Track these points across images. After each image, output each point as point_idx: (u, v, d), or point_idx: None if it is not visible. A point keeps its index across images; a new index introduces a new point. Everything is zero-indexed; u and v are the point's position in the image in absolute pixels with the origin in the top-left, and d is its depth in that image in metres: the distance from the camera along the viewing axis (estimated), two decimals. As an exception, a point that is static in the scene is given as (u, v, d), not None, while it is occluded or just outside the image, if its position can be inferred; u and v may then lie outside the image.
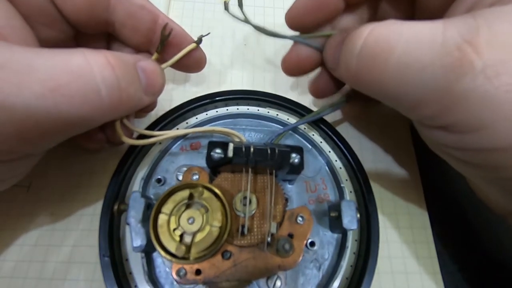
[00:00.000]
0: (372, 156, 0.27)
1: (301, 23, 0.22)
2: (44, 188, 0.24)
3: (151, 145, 0.24)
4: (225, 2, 0.22)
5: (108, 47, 0.24)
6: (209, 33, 0.23)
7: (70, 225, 0.23)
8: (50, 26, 0.19)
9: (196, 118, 0.26)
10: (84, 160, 0.25)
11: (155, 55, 0.22)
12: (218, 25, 0.32)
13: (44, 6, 0.19)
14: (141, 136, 0.22)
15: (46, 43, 0.19)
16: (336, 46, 0.19)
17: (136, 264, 0.21)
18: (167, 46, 0.22)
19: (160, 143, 0.24)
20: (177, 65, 0.24)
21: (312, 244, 0.22)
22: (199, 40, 0.23)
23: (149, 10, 0.21)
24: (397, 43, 0.15)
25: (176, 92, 0.28)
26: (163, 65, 0.22)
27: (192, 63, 0.24)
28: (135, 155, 0.23)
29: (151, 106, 0.23)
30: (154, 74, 0.20)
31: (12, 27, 0.17)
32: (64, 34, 0.20)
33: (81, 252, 0.22)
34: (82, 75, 0.15)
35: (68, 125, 0.15)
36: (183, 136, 0.25)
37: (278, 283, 0.21)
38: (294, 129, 0.26)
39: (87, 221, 0.23)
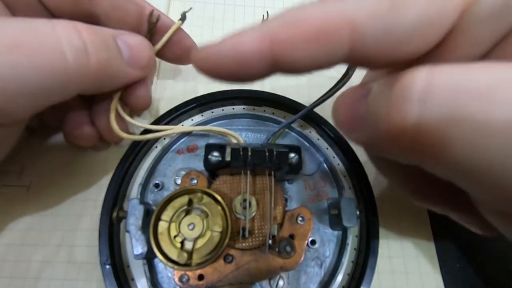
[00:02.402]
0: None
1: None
2: (44, 188, 0.24)
3: (148, 149, 0.24)
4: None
5: None
6: (191, 8, 0.23)
7: (70, 225, 0.23)
8: (32, 17, 0.19)
9: (192, 119, 0.25)
10: (84, 160, 0.25)
11: None
12: (218, 25, 0.32)
13: None
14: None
15: None
16: (357, 98, 0.15)
17: (138, 270, 0.21)
18: (155, 35, 0.22)
19: (156, 146, 0.24)
20: (168, 56, 0.24)
21: (313, 242, 0.22)
22: (183, 17, 0.23)
23: (135, 1, 0.21)
24: (504, 93, 0.10)
25: (174, 92, 0.28)
26: (154, 48, 0.22)
27: (183, 52, 0.24)
28: (132, 158, 0.23)
29: (146, 103, 0.22)
30: (138, 46, 0.20)
31: None
32: None
33: (81, 252, 0.22)
34: (44, 35, 0.15)
35: (34, 88, 0.15)
36: (179, 137, 0.25)
37: (281, 283, 0.21)
38: (291, 127, 0.26)
39: (87, 221, 0.23)
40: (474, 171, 0.11)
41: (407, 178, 0.18)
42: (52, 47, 0.15)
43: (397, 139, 0.12)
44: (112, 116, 0.20)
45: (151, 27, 0.21)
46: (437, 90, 0.10)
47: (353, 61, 0.13)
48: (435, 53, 0.13)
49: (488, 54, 0.13)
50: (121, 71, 0.19)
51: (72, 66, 0.16)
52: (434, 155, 0.11)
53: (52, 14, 0.20)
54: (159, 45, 0.22)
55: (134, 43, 0.19)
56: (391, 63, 0.13)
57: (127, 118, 0.21)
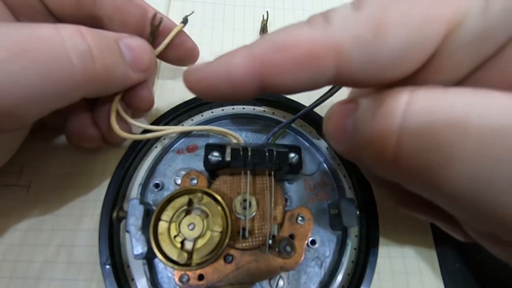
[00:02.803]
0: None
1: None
2: (44, 188, 0.24)
3: (148, 149, 0.24)
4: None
5: None
6: (193, 12, 0.24)
7: (70, 225, 0.23)
8: (35, 21, 0.19)
9: (192, 119, 0.25)
10: (84, 160, 0.25)
11: None
12: (218, 25, 0.32)
13: (30, 0, 0.18)
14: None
15: None
16: (345, 114, 0.15)
17: (138, 270, 0.21)
18: (157, 38, 0.22)
19: (156, 146, 0.24)
20: (170, 58, 0.24)
21: (313, 242, 0.22)
22: (185, 20, 0.23)
23: (137, 4, 0.21)
24: (471, 117, 0.10)
25: (174, 92, 0.28)
26: (156, 50, 0.22)
27: (184, 54, 0.24)
28: (132, 158, 0.23)
29: (148, 104, 0.23)
30: (140, 49, 0.20)
31: None
32: None
33: (81, 252, 0.22)
34: (50, 41, 0.15)
35: (42, 94, 0.15)
36: (179, 137, 0.25)
37: (281, 282, 0.21)
38: (291, 127, 0.26)
39: (87, 221, 0.23)
40: (448, 192, 0.11)
41: (391, 188, 0.19)
42: (58, 53, 0.15)
43: (380, 160, 0.13)
44: (113, 117, 0.20)
45: (154, 30, 0.21)
46: (415, 113, 0.11)
47: (339, 83, 0.14)
48: (418, 74, 0.13)
49: (468, 77, 0.13)
50: (124, 74, 0.19)
51: (78, 71, 0.16)
52: (413, 177, 0.12)
53: (55, 16, 0.20)
54: (160, 47, 0.22)
55: (135, 46, 0.20)
56: (376, 84, 0.13)
57: (127, 118, 0.21)
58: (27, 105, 0.15)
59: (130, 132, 0.22)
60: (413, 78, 0.13)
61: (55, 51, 0.15)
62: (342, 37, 0.12)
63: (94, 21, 0.21)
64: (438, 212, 0.17)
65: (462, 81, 0.14)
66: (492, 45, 0.12)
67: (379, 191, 0.20)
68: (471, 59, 0.13)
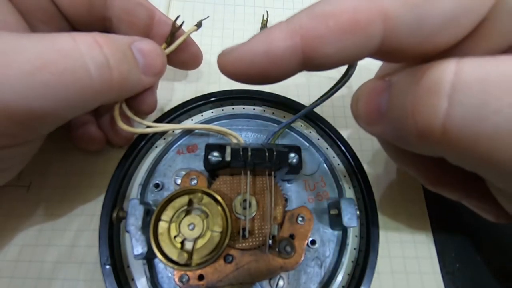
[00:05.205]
0: (372, 157, 0.27)
1: None
2: (44, 188, 0.24)
3: (148, 149, 0.24)
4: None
5: None
6: (208, 17, 0.24)
7: (70, 225, 0.23)
8: (47, 23, 0.19)
9: (192, 119, 0.25)
10: (84, 160, 0.25)
11: (163, 45, 0.22)
12: (218, 25, 0.32)
13: (42, 2, 0.19)
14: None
15: None
16: (377, 93, 0.14)
17: (138, 270, 0.21)
18: (154, 38, 0.22)
19: (156, 146, 0.24)
20: (173, 61, 0.24)
21: (313, 242, 0.22)
22: (199, 24, 0.23)
23: (146, 6, 0.22)
24: None
25: (174, 92, 0.28)
26: (166, 50, 0.22)
27: (189, 58, 0.25)
28: (132, 158, 0.23)
29: (151, 108, 0.23)
30: (152, 53, 0.20)
31: (6, 23, 0.17)
32: (61, 31, 0.20)
33: (81, 252, 0.22)
34: (69, 53, 0.15)
35: (62, 105, 0.15)
36: (179, 137, 0.25)
37: (281, 282, 0.21)
38: (291, 127, 0.26)
39: (87, 221, 0.23)
40: (503, 161, 0.10)
41: (426, 169, 0.18)
42: (78, 65, 0.15)
43: (425, 134, 0.12)
44: (116, 111, 0.21)
45: (174, 31, 0.22)
46: (466, 82, 0.10)
47: (383, 54, 0.13)
48: (464, 43, 0.12)
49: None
50: (138, 79, 0.19)
51: (96, 81, 0.16)
52: (462, 150, 0.11)
53: (68, 19, 0.20)
54: (171, 48, 0.22)
55: (148, 50, 0.19)
56: (422, 55, 0.13)
57: (130, 114, 0.21)
58: (47, 116, 0.16)
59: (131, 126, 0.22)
60: (458, 49, 0.12)
61: (74, 63, 0.15)
62: (391, 0, 0.11)
63: (102, 23, 0.21)
64: (470, 190, 0.17)
65: (507, 51, 0.13)
66: None
67: (412, 174, 0.19)
68: None
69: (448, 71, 0.11)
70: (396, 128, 0.13)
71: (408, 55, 0.13)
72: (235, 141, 0.23)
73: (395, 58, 0.14)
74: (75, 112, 0.17)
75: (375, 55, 0.13)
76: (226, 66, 0.14)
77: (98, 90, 0.16)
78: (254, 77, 0.14)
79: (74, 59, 0.15)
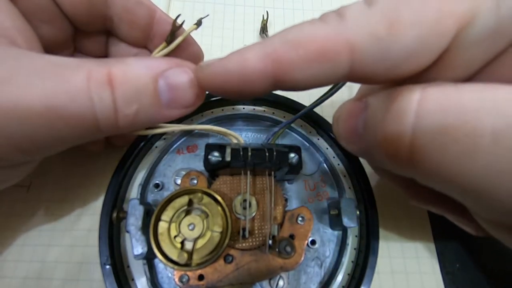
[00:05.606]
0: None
1: None
2: (44, 188, 0.24)
3: (148, 149, 0.24)
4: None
5: (106, 45, 0.24)
6: (208, 15, 0.23)
7: (70, 225, 0.23)
8: (49, 23, 0.19)
9: (191, 120, 0.25)
10: (84, 160, 0.25)
11: (163, 44, 0.22)
12: (218, 25, 0.32)
13: (43, 2, 0.19)
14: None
15: (46, 41, 0.19)
16: (355, 114, 0.15)
17: (138, 270, 0.21)
18: (154, 39, 0.22)
19: (156, 146, 0.24)
20: None
21: (313, 242, 0.22)
22: (199, 22, 0.23)
23: (146, 5, 0.21)
24: (483, 113, 0.10)
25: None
26: (165, 50, 0.22)
27: (190, 58, 0.24)
28: (132, 158, 0.23)
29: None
30: (183, 86, 0.17)
31: (17, 28, 0.17)
32: (63, 32, 0.20)
33: (81, 252, 0.22)
34: (79, 97, 0.14)
35: (66, 142, 0.16)
36: (179, 137, 0.25)
37: (281, 282, 0.21)
38: (291, 127, 0.26)
39: (87, 221, 0.23)
40: (463, 186, 0.12)
41: (406, 185, 0.19)
42: (85, 110, 0.15)
43: (394, 158, 0.13)
44: None
45: (175, 30, 0.22)
46: (429, 112, 0.11)
47: (352, 79, 0.14)
48: (429, 71, 0.13)
49: (478, 73, 0.14)
50: (154, 114, 0.17)
51: (102, 124, 0.16)
52: (427, 175, 0.12)
53: (69, 18, 0.20)
54: (171, 46, 0.22)
55: (177, 83, 0.17)
56: (388, 80, 0.13)
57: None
58: (50, 147, 0.16)
59: None
60: (424, 75, 0.13)
61: (83, 109, 0.15)
62: (356, 33, 0.12)
63: (103, 22, 0.21)
64: (449, 205, 0.17)
65: (472, 77, 0.14)
66: (503, 41, 0.12)
67: (394, 187, 0.20)
68: (483, 55, 0.13)
69: (413, 100, 0.12)
70: (370, 146, 0.14)
71: (376, 81, 0.14)
72: (235, 141, 0.23)
73: (366, 82, 0.15)
74: (79, 143, 0.17)
75: (347, 80, 0.14)
76: (201, 79, 0.15)
77: (104, 131, 0.16)
78: (229, 92, 0.14)
79: (83, 104, 0.15)
